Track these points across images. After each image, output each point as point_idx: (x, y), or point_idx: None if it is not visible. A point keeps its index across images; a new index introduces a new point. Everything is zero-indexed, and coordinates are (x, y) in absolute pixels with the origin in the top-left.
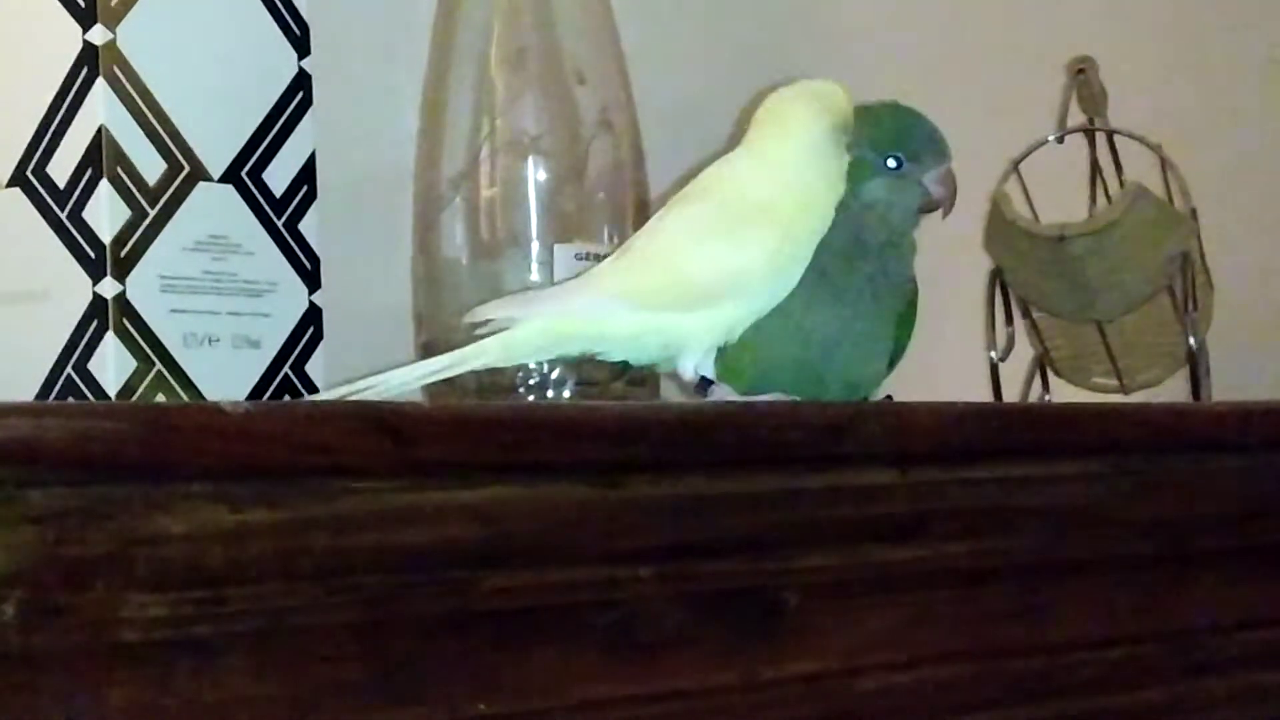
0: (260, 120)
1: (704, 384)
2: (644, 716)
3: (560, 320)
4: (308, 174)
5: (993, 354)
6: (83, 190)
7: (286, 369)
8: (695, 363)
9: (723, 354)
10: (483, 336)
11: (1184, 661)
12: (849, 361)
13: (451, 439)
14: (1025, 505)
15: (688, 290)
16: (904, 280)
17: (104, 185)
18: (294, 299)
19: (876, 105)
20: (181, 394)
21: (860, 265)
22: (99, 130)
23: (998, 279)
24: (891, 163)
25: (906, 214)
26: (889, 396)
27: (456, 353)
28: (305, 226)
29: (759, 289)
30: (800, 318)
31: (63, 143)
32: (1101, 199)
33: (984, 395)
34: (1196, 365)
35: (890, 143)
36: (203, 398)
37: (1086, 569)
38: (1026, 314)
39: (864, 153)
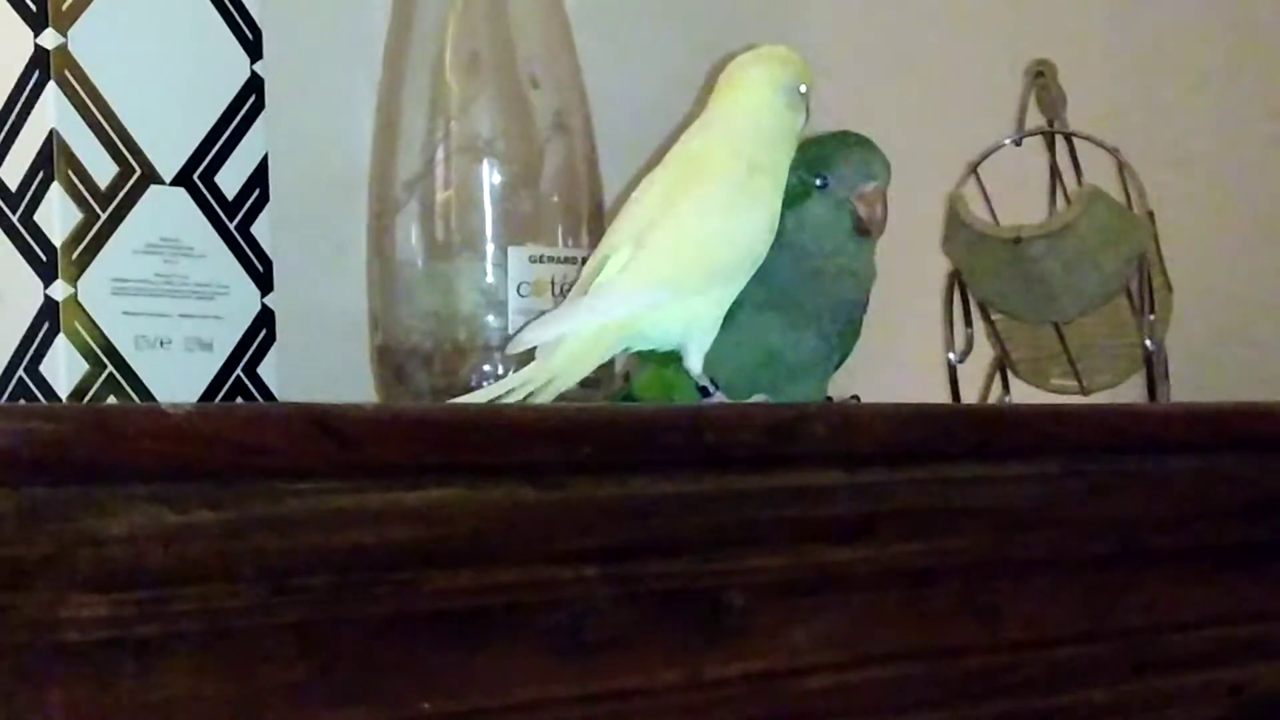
0: (212, 123)
1: (704, 392)
2: (589, 716)
3: (611, 320)
4: (260, 177)
5: (951, 356)
6: (34, 193)
7: (239, 371)
8: (705, 347)
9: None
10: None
11: (1132, 660)
12: (797, 380)
13: (394, 441)
14: (973, 506)
15: (719, 267)
16: (851, 302)
17: (55, 188)
18: (246, 302)
19: (824, 134)
20: (133, 396)
21: (806, 286)
22: (50, 133)
23: (956, 281)
24: (819, 181)
25: (839, 233)
26: (855, 397)
27: (517, 376)
28: (257, 229)
29: (763, 251)
30: (754, 337)
31: (14, 146)
32: (1060, 201)
33: (943, 397)
34: (1153, 367)
35: (820, 163)
36: (154, 400)
37: (1035, 569)
38: (985, 316)
39: (799, 175)
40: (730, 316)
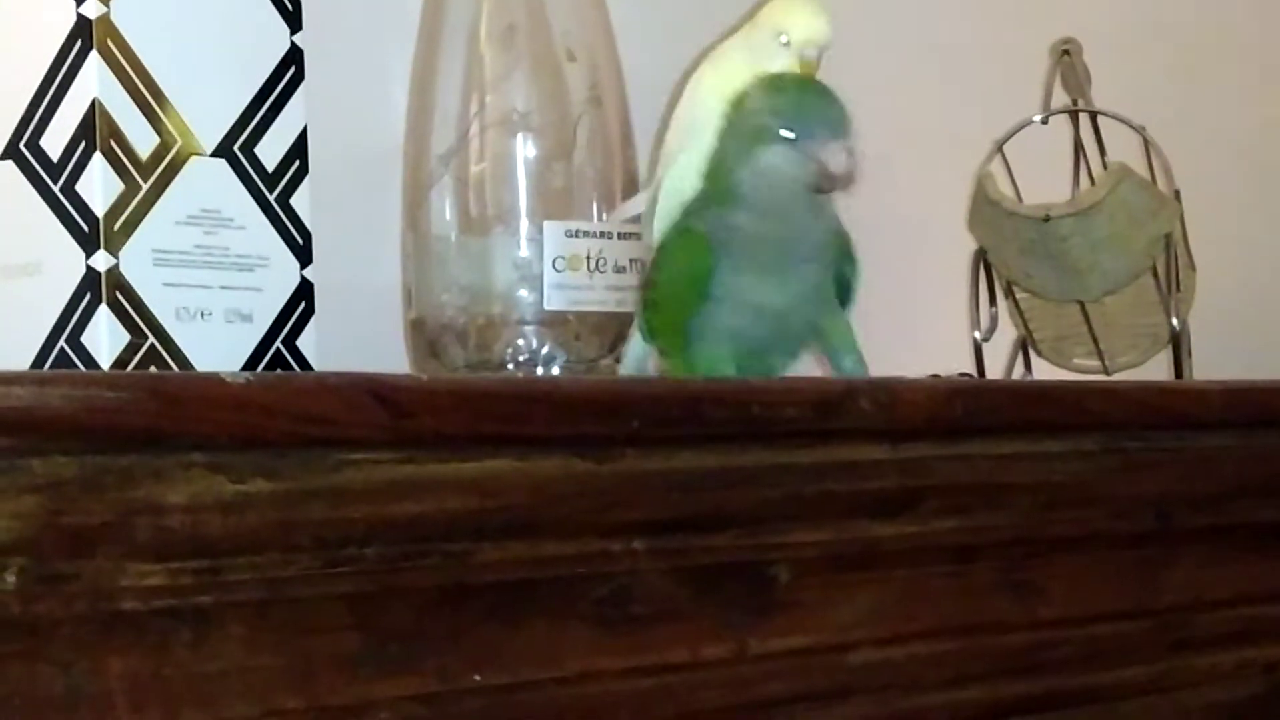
0: (253, 95)
1: None
2: (636, 689)
3: None
4: (300, 149)
5: (976, 334)
6: (76, 163)
7: (278, 343)
8: None
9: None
10: None
11: (1170, 638)
12: (802, 322)
13: (448, 412)
14: (1014, 482)
15: None
16: (826, 233)
17: (97, 158)
18: (286, 273)
19: (788, 75)
20: (174, 367)
21: (773, 230)
22: (92, 104)
23: (981, 259)
24: (786, 133)
25: (797, 187)
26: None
27: None
28: (297, 201)
29: None
30: (742, 297)
31: (56, 116)
32: (1085, 180)
33: None
34: (1179, 346)
35: (789, 114)
36: (195, 371)
37: (1074, 545)
38: (1010, 294)
39: (764, 119)
40: (713, 289)
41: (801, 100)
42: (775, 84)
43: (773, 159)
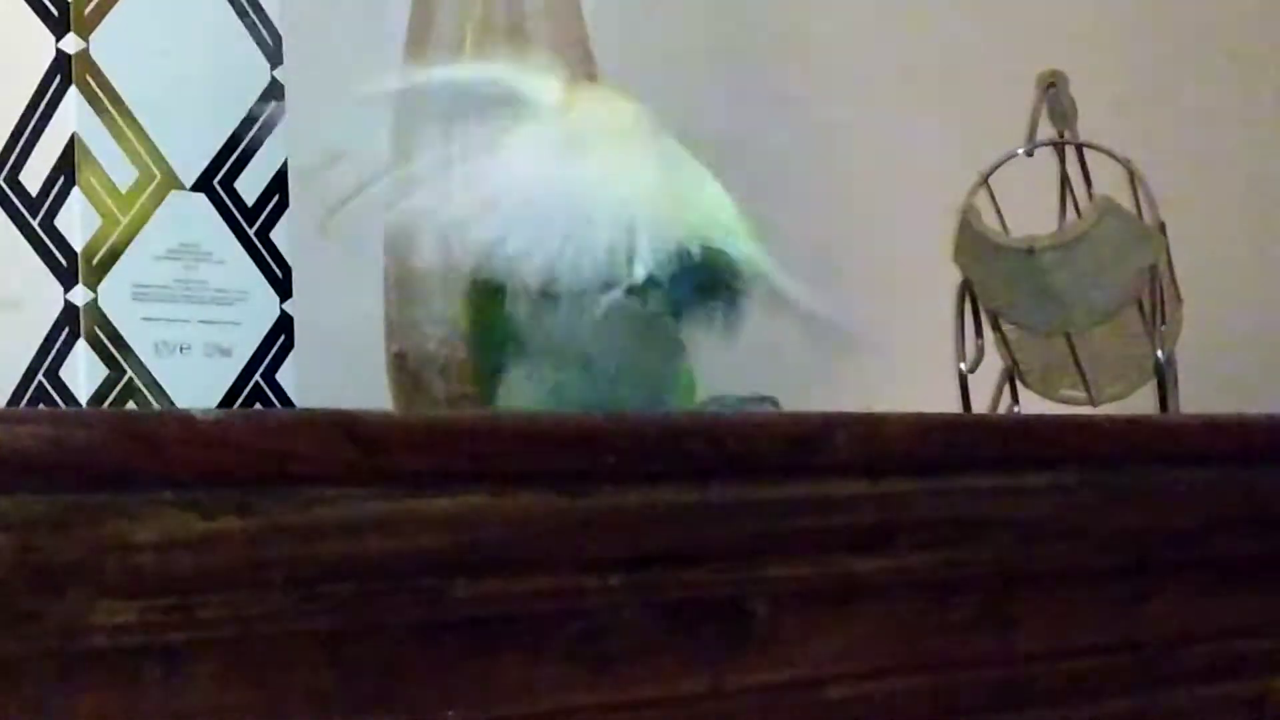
0: (233, 129)
1: None
2: None
3: None
4: (280, 183)
5: (962, 365)
6: (55, 198)
7: (257, 377)
8: None
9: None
10: None
11: (1150, 673)
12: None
13: (421, 448)
14: (994, 516)
15: None
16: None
17: (76, 193)
18: (265, 307)
19: None
20: (153, 402)
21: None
22: (71, 138)
23: (967, 291)
24: None
25: None
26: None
27: None
28: (276, 235)
29: None
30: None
31: (35, 150)
32: (1071, 212)
33: (953, 407)
34: (1164, 378)
35: None
36: (174, 406)
37: (1054, 580)
38: (996, 326)
39: None
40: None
41: None
42: None
43: None
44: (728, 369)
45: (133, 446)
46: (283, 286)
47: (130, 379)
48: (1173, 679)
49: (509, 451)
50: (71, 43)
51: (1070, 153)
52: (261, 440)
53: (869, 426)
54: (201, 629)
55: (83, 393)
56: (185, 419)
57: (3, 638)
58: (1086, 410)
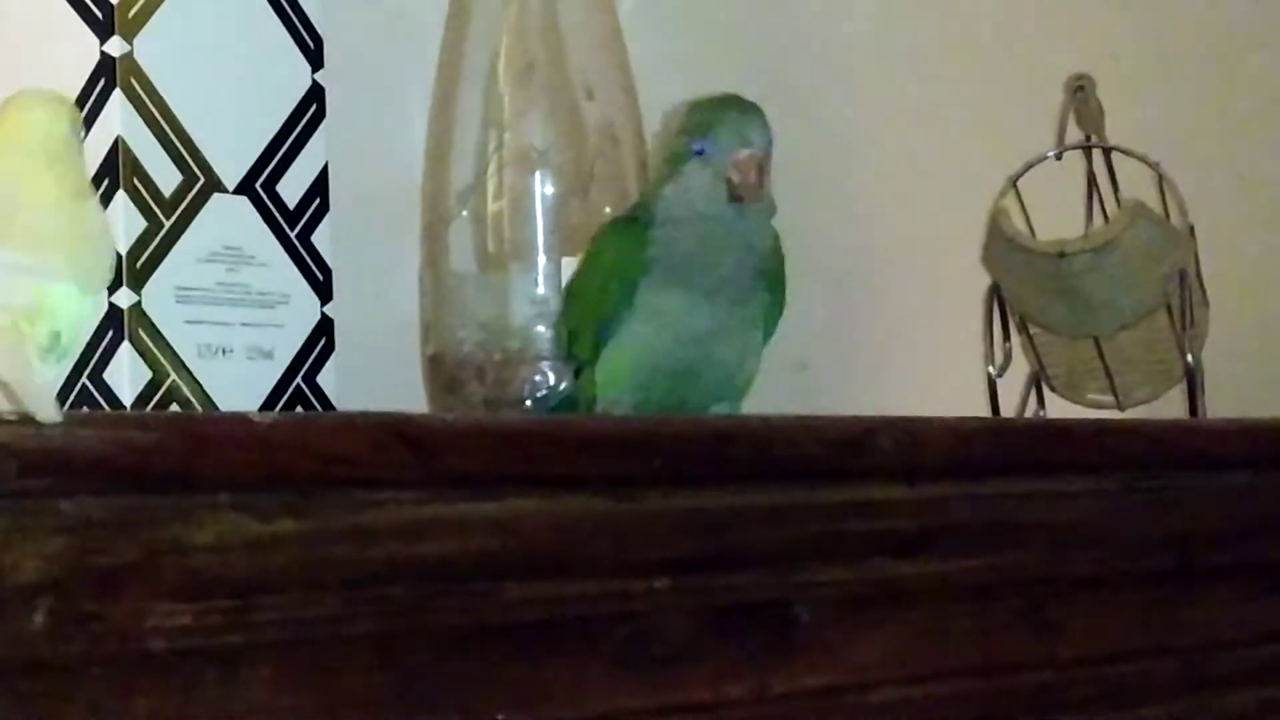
0: (274, 132)
1: None
2: None
3: None
4: (320, 186)
5: (990, 369)
6: (99, 200)
7: (299, 380)
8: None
9: (597, 362)
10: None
11: (1190, 677)
12: (723, 356)
13: (472, 451)
14: (1033, 521)
15: None
16: (752, 270)
17: (120, 196)
18: (306, 310)
19: (708, 96)
20: (196, 404)
21: (696, 257)
22: (116, 141)
23: (995, 294)
24: (696, 148)
25: (716, 201)
26: None
27: None
28: (318, 238)
29: None
30: (660, 316)
31: None
32: (1099, 216)
33: (981, 410)
34: (1193, 382)
35: (700, 129)
36: (216, 408)
37: (1094, 584)
38: (1023, 330)
39: (680, 138)
40: (635, 300)
41: (711, 115)
42: (694, 104)
43: (687, 176)
44: None
45: (191, 449)
46: (324, 289)
47: (174, 382)
48: (1213, 683)
49: (558, 456)
50: (116, 45)
51: (1098, 156)
52: (316, 443)
53: (910, 431)
54: (256, 631)
55: (127, 395)
56: (242, 421)
57: (62, 639)
58: (1115, 414)
